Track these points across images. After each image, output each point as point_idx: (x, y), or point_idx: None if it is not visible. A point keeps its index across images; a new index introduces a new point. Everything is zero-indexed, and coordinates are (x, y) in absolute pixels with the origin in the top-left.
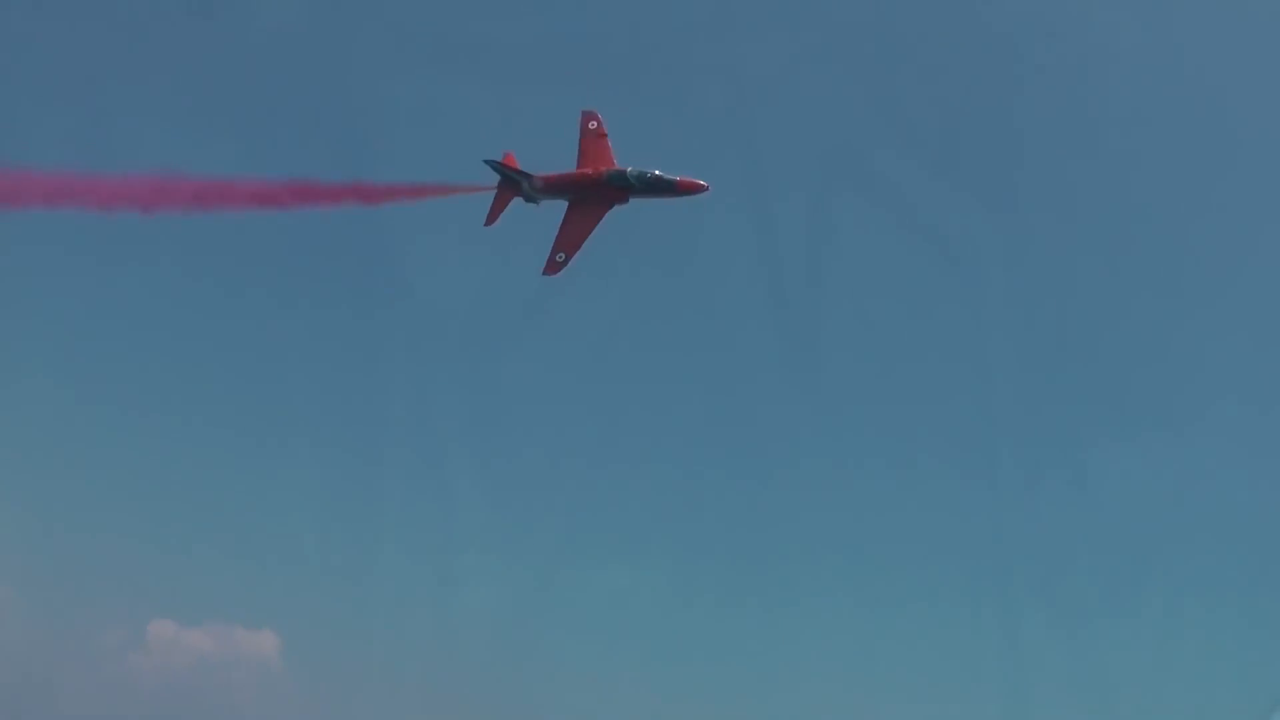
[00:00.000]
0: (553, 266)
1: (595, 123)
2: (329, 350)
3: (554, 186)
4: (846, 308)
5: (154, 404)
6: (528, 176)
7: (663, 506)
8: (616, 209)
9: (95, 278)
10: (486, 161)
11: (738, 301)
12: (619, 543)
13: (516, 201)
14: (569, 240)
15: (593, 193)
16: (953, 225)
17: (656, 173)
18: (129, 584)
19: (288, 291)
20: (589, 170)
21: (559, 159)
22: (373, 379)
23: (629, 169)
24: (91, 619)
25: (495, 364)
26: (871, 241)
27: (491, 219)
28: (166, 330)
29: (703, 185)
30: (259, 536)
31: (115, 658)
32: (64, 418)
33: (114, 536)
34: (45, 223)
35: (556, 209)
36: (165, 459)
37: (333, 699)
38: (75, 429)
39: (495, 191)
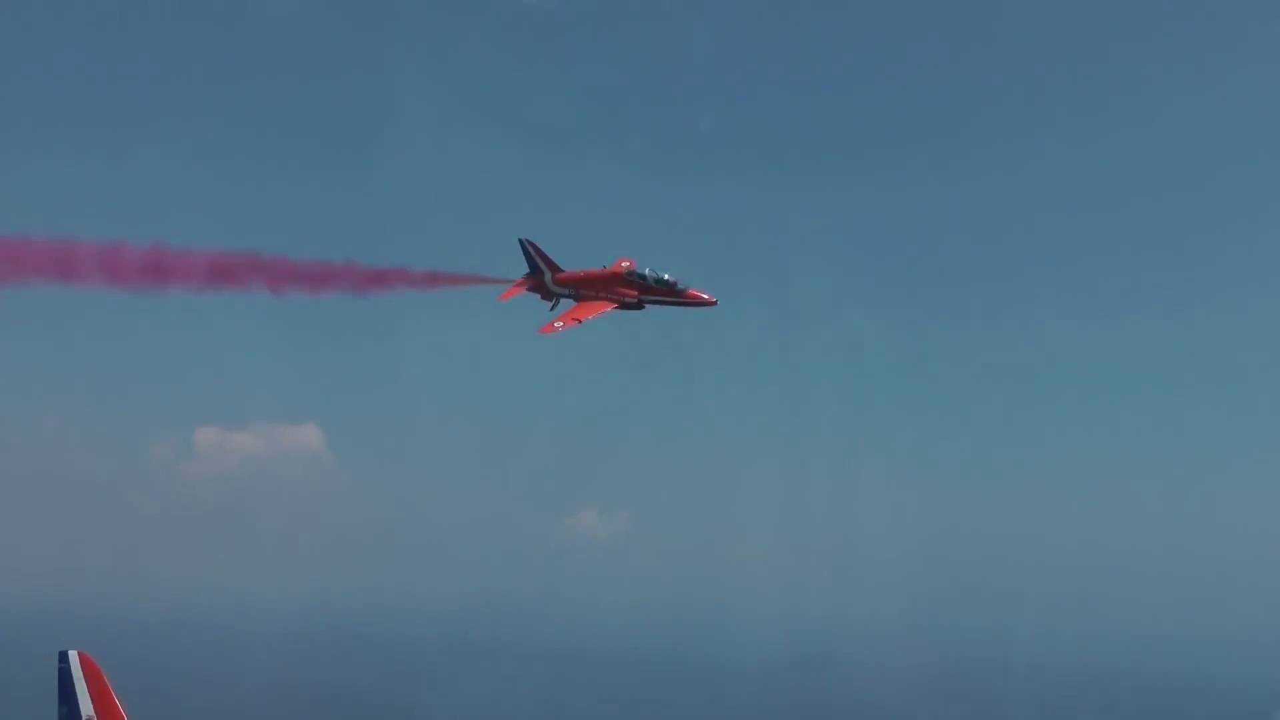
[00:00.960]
0: (550, 328)
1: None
2: None
3: (571, 282)
4: None
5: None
6: (552, 268)
7: None
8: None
9: None
10: (521, 240)
11: None
12: None
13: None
14: (574, 315)
15: (608, 288)
16: None
17: (668, 277)
18: (168, 399)
19: None
20: (609, 270)
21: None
22: None
23: (647, 269)
24: (139, 437)
25: None
26: None
27: (505, 296)
28: None
29: (710, 300)
30: (292, 337)
31: (169, 469)
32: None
33: (147, 355)
34: None
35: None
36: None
37: (381, 479)
38: None
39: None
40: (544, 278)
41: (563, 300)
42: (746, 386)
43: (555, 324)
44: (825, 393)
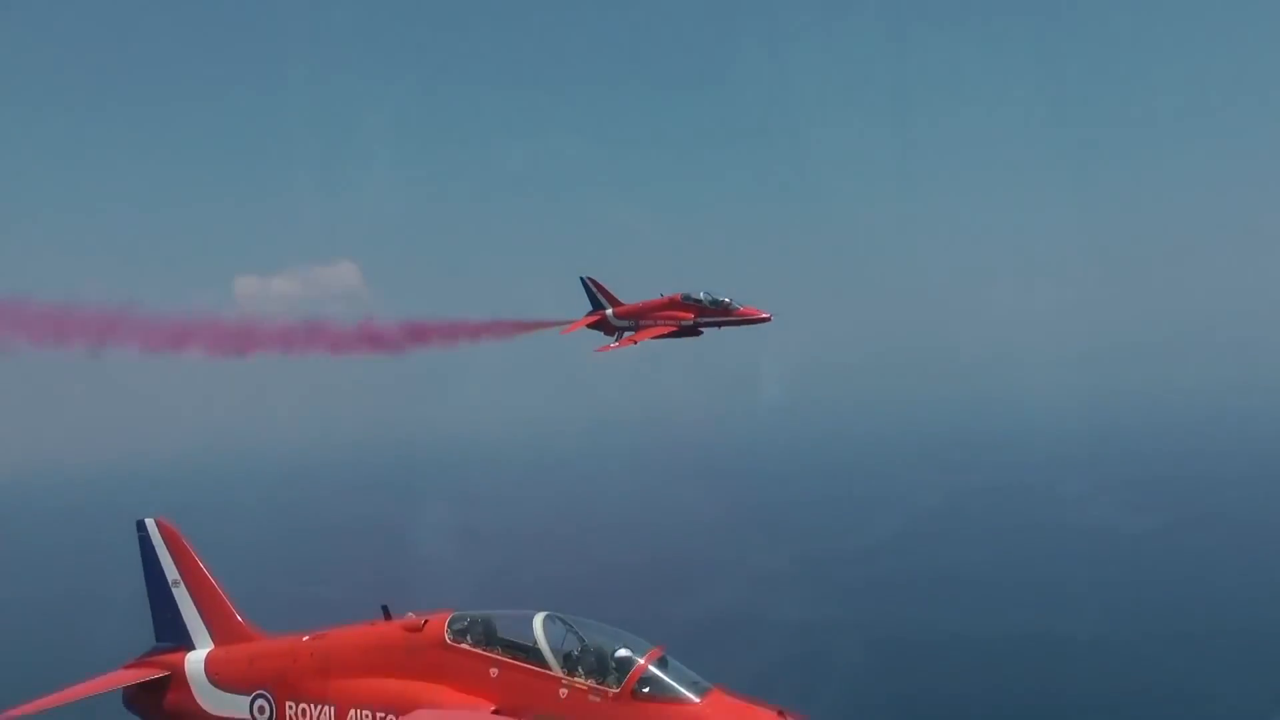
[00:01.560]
0: (606, 348)
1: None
2: None
3: (630, 314)
4: None
5: None
6: (612, 302)
7: None
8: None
9: None
10: (582, 278)
11: None
12: None
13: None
14: (630, 339)
15: (665, 314)
16: None
17: (723, 298)
18: (203, 251)
19: None
20: (665, 297)
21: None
22: None
23: (702, 292)
24: (177, 290)
25: None
26: None
27: (569, 328)
28: None
29: (764, 316)
30: (317, 180)
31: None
32: None
33: (172, 210)
34: None
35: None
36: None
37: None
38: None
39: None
40: (606, 311)
41: (624, 333)
42: None
43: (611, 345)
44: None
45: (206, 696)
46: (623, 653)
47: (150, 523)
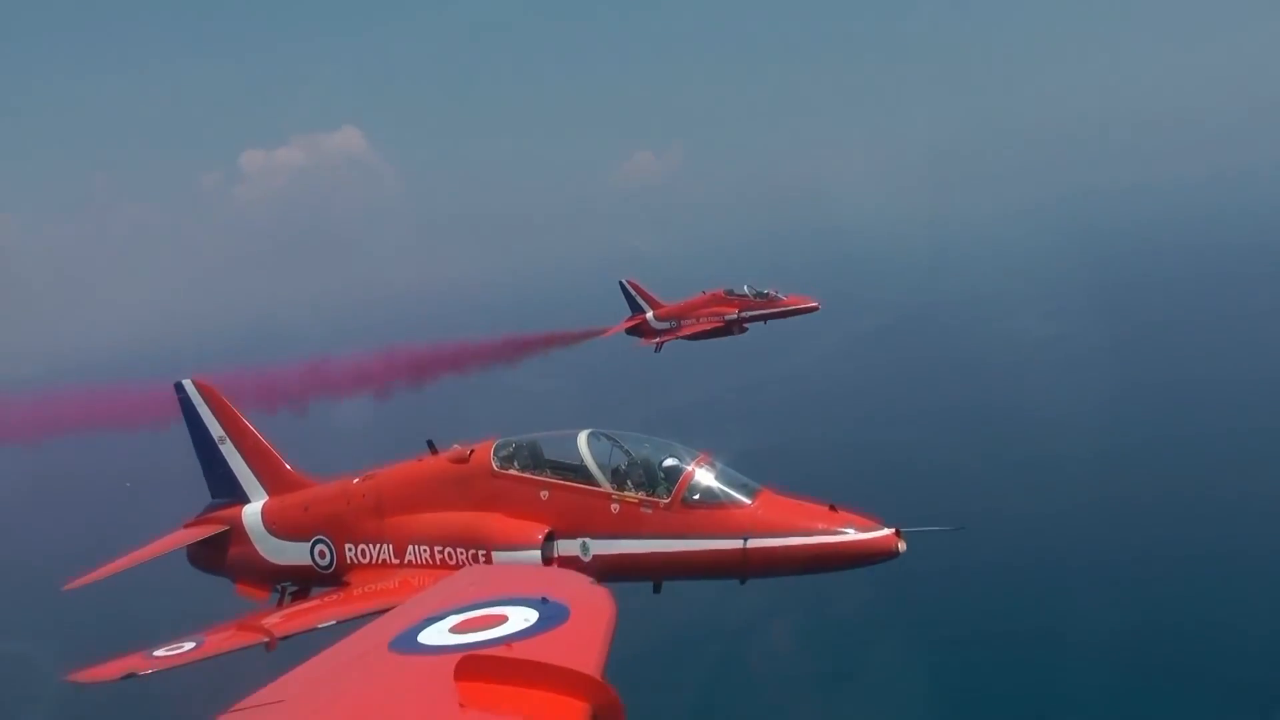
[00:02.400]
0: (655, 344)
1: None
2: None
3: (672, 314)
4: None
5: None
6: (653, 304)
7: None
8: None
9: None
10: (620, 282)
11: None
12: None
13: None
14: (670, 336)
15: (708, 309)
16: None
17: (767, 290)
18: (205, 132)
19: None
20: (706, 293)
21: None
22: None
23: (745, 285)
24: (185, 171)
25: None
26: None
27: (610, 331)
28: None
29: (812, 304)
30: (317, 42)
31: (221, 196)
32: None
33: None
34: None
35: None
36: None
37: (426, 177)
38: None
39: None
40: (646, 314)
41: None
42: None
43: (658, 342)
44: None
45: (266, 546)
46: (670, 462)
47: (188, 383)
